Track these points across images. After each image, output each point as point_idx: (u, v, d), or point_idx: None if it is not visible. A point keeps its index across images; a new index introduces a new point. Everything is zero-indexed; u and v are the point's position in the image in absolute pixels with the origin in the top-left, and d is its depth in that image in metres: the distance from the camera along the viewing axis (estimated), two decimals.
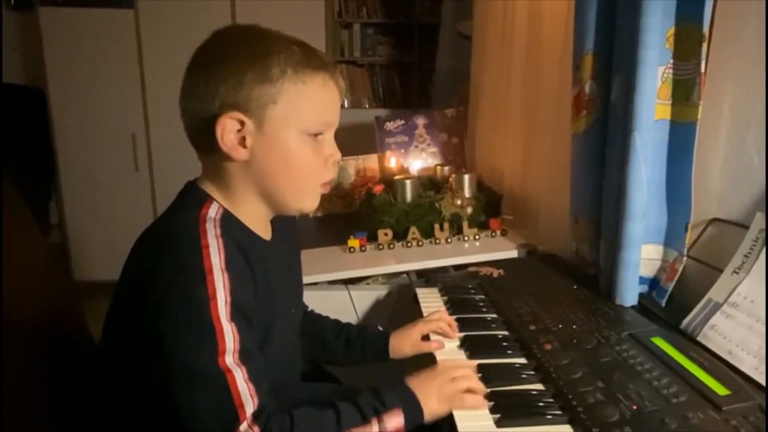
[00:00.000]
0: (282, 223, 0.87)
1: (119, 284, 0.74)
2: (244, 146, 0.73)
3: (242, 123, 0.72)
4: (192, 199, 0.76)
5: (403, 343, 0.99)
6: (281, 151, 0.74)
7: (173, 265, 0.66)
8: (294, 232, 0.97)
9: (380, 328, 1.06)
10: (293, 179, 0.77)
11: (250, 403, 0.65)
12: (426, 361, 0.95)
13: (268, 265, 0.78)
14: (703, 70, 0.92)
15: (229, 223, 0.74)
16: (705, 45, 0.91)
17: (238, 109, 0.71)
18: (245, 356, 0.66)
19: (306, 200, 0.80)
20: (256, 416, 0.65)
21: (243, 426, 0.64)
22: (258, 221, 0.80)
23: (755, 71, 0.91)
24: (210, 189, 0.77)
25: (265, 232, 0.82)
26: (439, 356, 0.93)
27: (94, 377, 0.79)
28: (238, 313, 0.67)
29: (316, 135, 0.76)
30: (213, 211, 0.74)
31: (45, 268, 0.93)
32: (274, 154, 0.74)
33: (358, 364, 1.03)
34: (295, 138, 0.75)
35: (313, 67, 0.74)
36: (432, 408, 0.75)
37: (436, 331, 0.99)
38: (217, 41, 0.75)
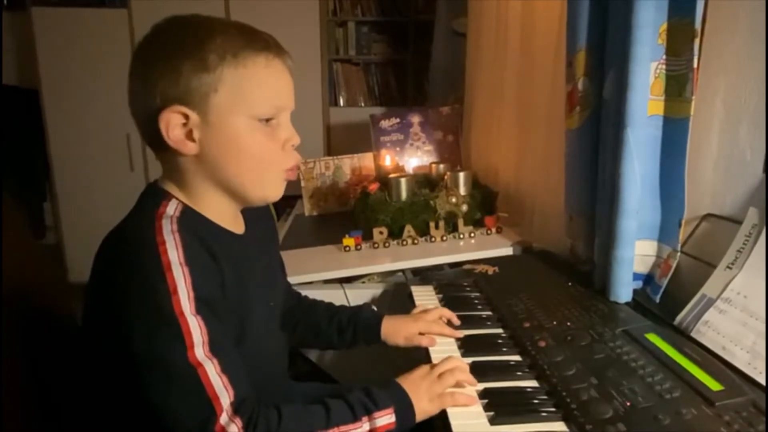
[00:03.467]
0: (255, 215, 0.85)
1: (87, 288, 0.72)
2: (192, 140, 0.70)
3: (186, 116, 0.69)
4: (151, 199, 0.74)
5: (398, 333, 0.98)
6: (231, 140, 0.71)
7: (132, 265, 0.65)
8: (269, 224, 0.95)
9: (374, 308, 1.05)
10: (249, 169, 0.74)
11: (225, 395, 0.64)
12: (419, 354, 0.95)
13: (240, 260, 0.76)
14: (695, 65, 0.92)
15: (190, 220, 0.72)
16: (697, 40, 0.91)
17: (180, 102, 0.69)
18: (215, 348, 0.65)
19: (268, 189, 0.77)
20: (237, 408, 0.64)
21: (223, 418, 0.63)
22: (225, 215, 0.78)
23: (748, 66, 0.91)
24: (170, 187, 0.75)
25: (234, 225, 0.80)
26: (432, 350, 0.93)
27: (81, 375, 0.78)
28: (203, 306, 0.65)
29: (268, 120, 0.73)
30: (171, 209, 0.72)
31: (34, 269, 0.93)
32: (224, 145, 0.71)
33: (352, 347, 1.02)
34: (245, 125, 0.71)
35: (254, 48, 0.71)
36: (423, 408, 0.74)
37: (437, 334, 0.98)
38: (154, 36, 0.72)
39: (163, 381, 0.63)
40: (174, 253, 0.65)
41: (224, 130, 0.71)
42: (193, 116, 0.70)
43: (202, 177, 0.74)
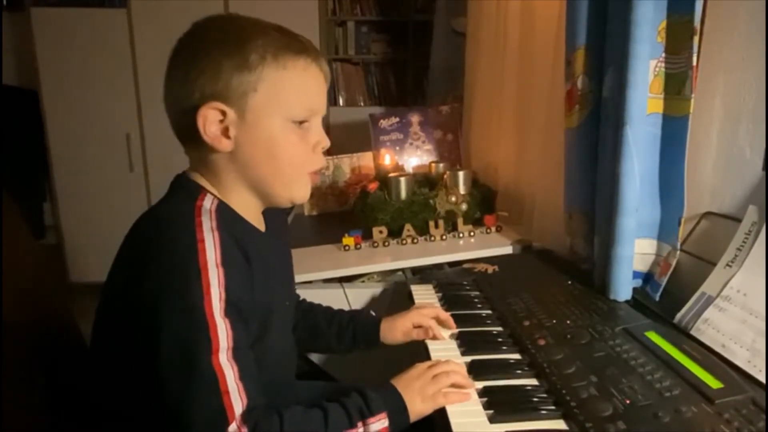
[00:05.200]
0: (273, 216, 0.86)
1: (110, 278, 0.72)
2: (228, 137, 0.72)
3: (224, 113, 0.70)
4: (185, 191, 0.75)
5: (395, 331, 0.99)
6: (265, 140, 0.73)
7: (168, 261, 0.65)
8: (284, 226, 0.96)
9: (372, 313, 1.06)
10: (280, 168, 0.75)
11: (239, 403, 0.64)
12: (418, 354, 0.95)
13: (265, 258, 0.77)
14: (695, 63, 0.92)
15: (225, 215, 0.73)
16: (696, 38, 0.91)
17: (219, 99, 0.70)
18: (237, 353, 0.65)
19: (295, 190, 0.78)
20: (247, 417, 0.64)
21: (232, 427, 0.63)
22: (251, 213, 0.79)
23: (747, 64, 0.91)
24: (201, 181, 0.76)
25: (259, 224, 0.81)
26: (432, 349, 0.93)
27: (85, 375, 0.78)
28: (232, 309, 0.66)
29: (301, 122, 0.75)
30: (208, 203, 0.73)
31: (34, 269, 0.93)
32: (258, 144, 0.73)
33: (351, 351, 1.02)
34: (280, 126, 0.73)
35: (294, 51, 0.72)
36: (416, 409, 0.75)
37: (427, 324, 0.99)
38: (195, 33, 0.73)
39: (184, 381, 0.63)
40: (212, 253, 0.66)
41: (260, 130, 0.72)
42: (231, 114, 0.71)
43: (232, 174, 0.75)
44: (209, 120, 0.70)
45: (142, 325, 0.65)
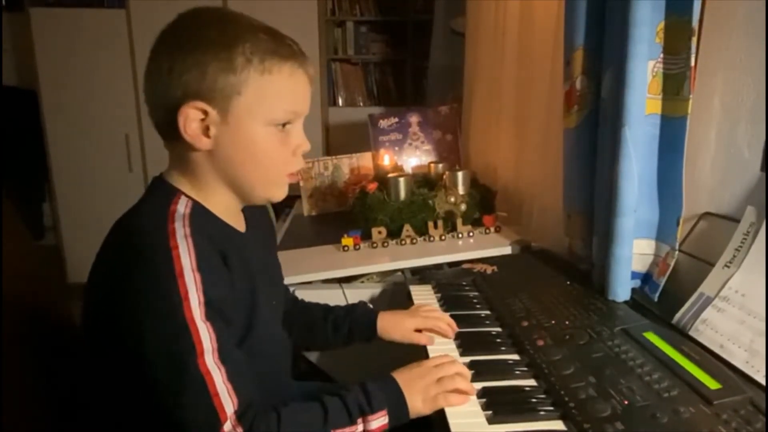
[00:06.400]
0: (254, 214, 0.86)
1: (89, 286, 0.72)
2: (208, 136, 0.71)
3: (205, 112, 0.70)
4: (160, 194, 0.74)
5: (394, 328, 0.99)
6: (246, 141, 0.73)
7: (144, 270, 0.65)
8: (268, 224, 0.96)
9: (370, 306, 1.06)
10: (259, 170, 0.75)
11: (230, 404, 0.64)
12: (418, 353, 0.95)
13: (245, 258, 0.76)
14: (693, 64, 0.92)
15: (200, 218, 0.72)
16: (695, 39, 0.91)
17: (202, 98, 0.69)
18: (224, 355, 0.65)
19: (273, 190, 0.78)
20: (241, 416, 0.64)
21: (227, 426, 0.63)
22: (229, 212, 0.79)
23: (745, 64, 0.91)
24: (178, 181, 0.76)
25: (238, 223, 0.81)
26: (431, 348, 0.93)
27: (82, 376, 0.78)
28: (213, 312, 0.66)
29: (283, 125, 0.75)
30: (182, 206, 0.72)
31: (33, 270, 0.93)
32: (239, 145, 0.73)
33: (348, 344, 1.02)
34: (261, 129, 0.73)
35: (280, 56, 0.72)
36: (416, 407, 0.75)
37: (434, 330, 0.98)
38: (181, 26, 0.72)
39: (173, 388, 0.63)
40: (187, 259, 0.65)
41: (241, 132, 0.72)
42: (213, 114, 0.70)
43: (211, 172, 0.75)
44: (190, 118, 0.70)
45: (126, 334, 0.65)
